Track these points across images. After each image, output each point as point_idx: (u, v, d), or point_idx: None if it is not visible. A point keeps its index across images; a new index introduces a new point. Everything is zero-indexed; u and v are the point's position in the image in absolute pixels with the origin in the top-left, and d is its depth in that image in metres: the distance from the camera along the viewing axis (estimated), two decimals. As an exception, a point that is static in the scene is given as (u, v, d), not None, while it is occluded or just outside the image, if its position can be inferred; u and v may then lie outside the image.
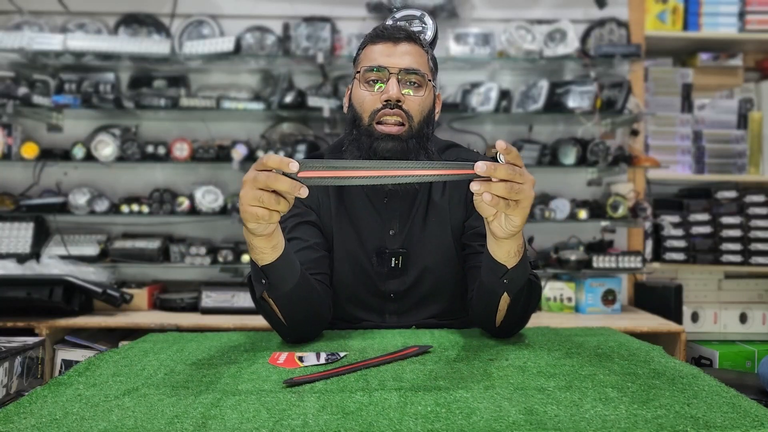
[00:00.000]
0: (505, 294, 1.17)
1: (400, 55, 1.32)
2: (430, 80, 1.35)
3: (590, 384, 0.93)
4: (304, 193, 0.93)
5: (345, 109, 1.44)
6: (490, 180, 0.97)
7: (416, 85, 1.33)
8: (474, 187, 0.97)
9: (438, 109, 1.44)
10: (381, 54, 1.32)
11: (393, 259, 1.38)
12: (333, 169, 0.94)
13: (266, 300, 1.22)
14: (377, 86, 1.32)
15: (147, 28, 2.77)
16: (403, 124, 1.31)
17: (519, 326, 1.29)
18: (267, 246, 1.12)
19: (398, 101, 1.29)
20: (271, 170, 0.95)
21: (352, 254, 1.41)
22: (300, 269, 1.22)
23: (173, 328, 2.27)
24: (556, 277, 2.68)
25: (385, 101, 1.30)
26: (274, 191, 0.96)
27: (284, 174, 0.94)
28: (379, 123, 1.31)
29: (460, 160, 1.43)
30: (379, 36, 1.34)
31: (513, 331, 1.28)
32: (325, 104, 2.59)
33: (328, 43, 2.66)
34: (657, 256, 2.80)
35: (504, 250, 1.11)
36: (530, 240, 2.80)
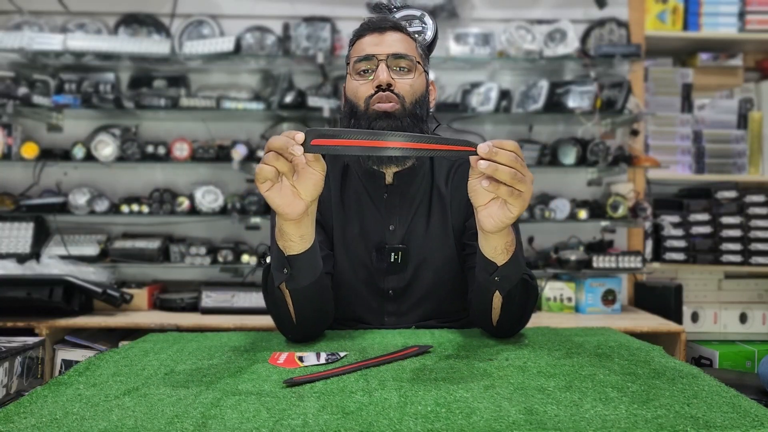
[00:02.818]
0: (498, 292, 1.18)
1: (387, 44, 1.35)
2: (419, 62, 1.37)
3: (590, 384, 0.94)
4: (297, 150, 0.98)
5: (342, 107, 1.44)
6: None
7: (405, 69, 1.36)
8: (482, 165, 0.97)
9: (433, 96, 1.46)
10: (369, 44, 1.36)
11: (392, 254, 1.39)
12: (340, 138, 0.99)
13: (282, 291, 1.21)
14: (370, 74, 1.35)
15: (147, 28, 2.77)
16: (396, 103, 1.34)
17: (518, 326, 1.29)
18: (295, 234, 1.12)
19: (389, 84, 1.32)
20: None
21: (352, 250, 1.41)
22: (321, 268, 1.23)
23: (173, 328, 2.27)
24: (556, 277, 2.68)
25: (377, 86, 1.32)
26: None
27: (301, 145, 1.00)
28: (374, 103, 1.34)
29: (463, 161, 1.44)
30: (366, 28, 1.38)
31: (512, 331, 1.28)
32: (325, 104, 2.59)
33: (328, 43, 2.66)
34: (657, 256, 2.80)
35: (491, 246, 1.12)
36: (530, 240, 2.80)
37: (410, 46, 1.38)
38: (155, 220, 2.77)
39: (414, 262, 1.40)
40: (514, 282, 1.18)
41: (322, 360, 1.09)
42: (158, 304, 2.56)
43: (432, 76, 2.93)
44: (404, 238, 1.41)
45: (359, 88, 1.35)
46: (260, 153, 2.62)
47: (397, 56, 1.34)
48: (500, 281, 1.16)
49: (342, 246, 1.41)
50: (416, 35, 1.42)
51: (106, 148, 2.60)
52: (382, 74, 1.32)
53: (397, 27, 1.38)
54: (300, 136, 0.98)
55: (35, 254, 2.59)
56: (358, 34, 1.39)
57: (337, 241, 1.41)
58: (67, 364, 2.27)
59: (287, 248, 1.15)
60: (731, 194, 2.79)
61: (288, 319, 1.24)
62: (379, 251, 1.40)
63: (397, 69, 1.35)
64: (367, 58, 1.34)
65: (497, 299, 1.20)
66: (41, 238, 2.67)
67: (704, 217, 2.77)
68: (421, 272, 1.41)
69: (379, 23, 1.38)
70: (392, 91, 1.33)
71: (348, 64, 1.40)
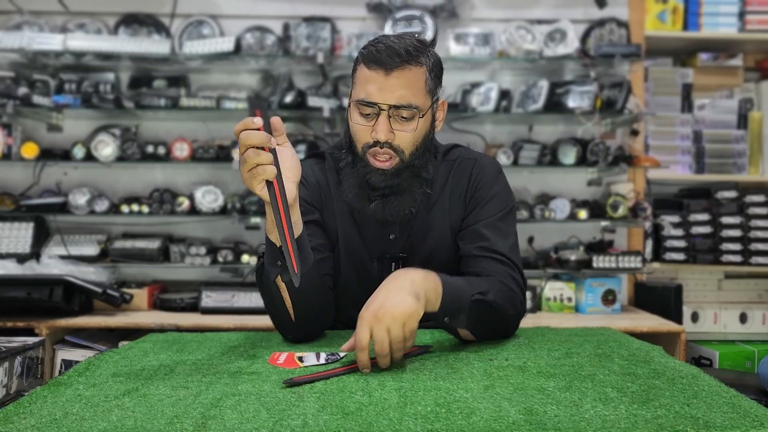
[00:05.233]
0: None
1: (391, 89, 1.26)
2: (424, 113, 1.30)
3: (590, 384, 0.94)
4: (273, 143, 1.07)
5: (347, 115, 1.43)
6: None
7: (408, 119, 1.29)
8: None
9: (442, 116, 1.40)
10: (373, 85, 1.27)
11: (393, 264, 1.39)
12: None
13: (278, 287, 1.22)
14: (369, 114, 1.29)
15: (147, 28, 2.77)
16: (394, 159, 1.31)
17: (506, 333, 1.29)
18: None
19: (387, 141, 1.28)
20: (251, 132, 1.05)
21: (355, 256, 1.40)
22: (313, 256, 1.23)
23: (173, 328, 2.27)
24: (556, 277, 2.68)
25: (375, 140, 1.28)
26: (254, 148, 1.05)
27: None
28: (371, 156, 1.31)
29: (460, 159, 1.44)
30: (373, 61, 1.27)
31: (502, 338, 1.29)
32: (325, 104, 2.59)
33: (328, 43, 2.66)
34: (657, 256, 2.80)
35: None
36: (530, 240, 2.80)
37: (419, 85, 1.29)
38: (155, 220, 2.77)
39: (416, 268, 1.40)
40: (464, 310, 1.18)
41: (322, 360, 1.09)
42: (158, 304, 2.56)
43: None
44: (405, 247, 1.40)
45: (359, 132, 1.31)
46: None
47: (400, 107, 1.27)
48: (450, 321, 1.18)
49: (345, 252, 1.41)
50: (430, 55, 1.34)
51: (106, 148, 2.60)
52: (381, 130, 1.26)
53: (406, 62, 1.27)
54: (258, 120, 1.04)
55: (35, 254, 2.59)
56: (365, 62, 1.29)
57: (342, 247, 1.41)
58: (67, 364, 2.27)
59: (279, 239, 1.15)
60: (731, 194, 2.79)
61: (286, 317, 1.24)
62: (380, 261, 1.40)
63: (399, 118, 1.28)
64: (369, 105, 1.27)
65: (462, 330, 1.22)
66: (41, 238, 2.67)
67: (704, 217, 2.77)
68: None
69: (388, 60, 1.26)
70: (391, 146, 1.29)
71: (352, 81, 1.35)
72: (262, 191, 1.06)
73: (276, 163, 1.06)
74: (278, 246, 1.15)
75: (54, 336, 2.30)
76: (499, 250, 1.32)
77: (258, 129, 1.04)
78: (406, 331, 1.03)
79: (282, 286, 1.21)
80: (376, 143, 1.29)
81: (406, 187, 1.34)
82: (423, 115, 1.30)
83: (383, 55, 1.26)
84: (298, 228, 1.16)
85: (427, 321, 1.42)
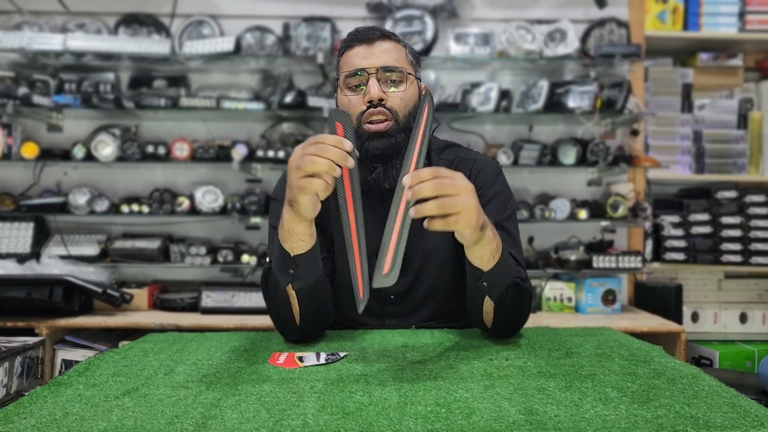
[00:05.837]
0: (489, 297, 1.19)
1: (376, 55, 1.33)
2: (410, 74, 1.36)
3: (590, 384, 0.94)
4: (351, 163, 1.02)
5: (336, 102, 1.45)
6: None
7: (397, 81, 1.34)
8: (411, 213, 0.98)
9: None
10: (358, 57, 1.34)
11: None
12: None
13: (287, 293, 1.22)
14: (360, 89, 1.34)
15: (147, 28, 2.77)
16: (389, 120, 1.33)
17: (514, 328, 1.29)
18: (306, 233, 1.14)
19: (380, 100, 1.31)
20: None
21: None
22: (322, 266, 1.24)
23: (173, 328, 2.27)
24: (556, 277, 2.68)
25: (368, 102, 1.31)
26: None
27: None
28: (367, 123, 1.33)
29: (458, 159, 1.44)
30: (354, 40, 1.36)
31: (509, 333, 1.29)
32: (325, 104, 2.59)
33: (328, 43, 2.66)
34: (657, 256, 2.80)
35: (476, 255, 1.13)
36: (530, 240, 2.80)
37: (400, 55, 1.36)
38: (155, 220, 2.77)
39: (415, 266, 1.40)
40: (504, 286, 1.18)
41: (322, 360, 1.09)
42: (158, 304, 2.56)
43: (432, 76, 2.90)
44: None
45: (350, 104, 1.34)
46: (260, 153, 2.61)
47: (387, 69, 1.32)
48: (488, 287, 1.17)
49: (342, 251, 1.41)
50: (406, 41, 1.41)
51: (106, 148, 2.60)
52: (373, 89, 1.31)
53: (385, 35, 1.36)
54: (348, 144, 1.02)
55: (35, 254, 2.59)
56: (347, 46, 1.37)
57: (338, 246, 1.41)
58: (67, 364, 2.27)
59: (295, 249, 1.16)
60: (731, 194, 2.79)
61: (290, 321, 1.25)
62: None
63: (388, 81, 1.33)
64: (357, 72, 1.33)
65: (488, 304, 1.21)
66: (41, 238, 2.67)
67: (704, 217, 2.77)
68: (422, 275, 1.41)
69: (367, 33, 1.35)
70: (384, 106, 1.32)
71: (338, 77, 1.39)
72: (308, 198, 1.06)
73: (353, 185, 1.04)
74: (292, 255, 1.16)
75: (54, 336, 2.30)
76: (511, 252, 1.33)
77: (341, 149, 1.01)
78: (462, 220, 0.98)
79: (292, 293, 1.22)
80: (369, 106, 1.31)
81: (403, 150, 1.33)
82: (410, 75, 1.35)
83: (362, 33, 1.36)
84: (312, 238, 1.17)
85: (430, 321, 1.43)
